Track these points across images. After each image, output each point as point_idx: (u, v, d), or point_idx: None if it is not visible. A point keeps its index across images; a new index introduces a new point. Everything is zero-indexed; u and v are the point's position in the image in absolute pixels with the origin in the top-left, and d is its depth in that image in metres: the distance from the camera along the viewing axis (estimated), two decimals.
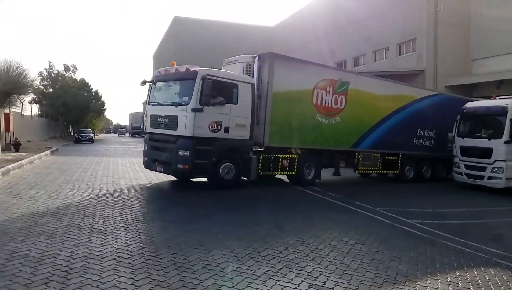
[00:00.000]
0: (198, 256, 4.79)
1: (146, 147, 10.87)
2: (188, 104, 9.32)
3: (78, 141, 38.10)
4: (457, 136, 13.97)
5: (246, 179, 10.79)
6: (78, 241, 5.12)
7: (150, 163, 10.58)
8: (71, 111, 43.95)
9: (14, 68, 23.89)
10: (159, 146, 10.21)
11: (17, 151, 18.91)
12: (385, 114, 13.50)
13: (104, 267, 4.28)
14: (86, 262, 4.39)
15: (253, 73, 10.72)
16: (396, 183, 14.42)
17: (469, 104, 14.44)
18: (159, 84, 10.70)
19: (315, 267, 4.72)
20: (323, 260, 5.03)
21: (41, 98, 43.65)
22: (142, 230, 5.92)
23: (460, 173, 13.61)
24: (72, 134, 53.68)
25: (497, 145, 12.39)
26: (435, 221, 8.14)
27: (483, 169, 12.68)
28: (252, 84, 10.35)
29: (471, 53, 22.87)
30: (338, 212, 8.51)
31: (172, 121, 9.64)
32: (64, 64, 52.50)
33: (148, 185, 10.55)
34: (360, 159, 13.02)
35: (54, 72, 48.26)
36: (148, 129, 10.74)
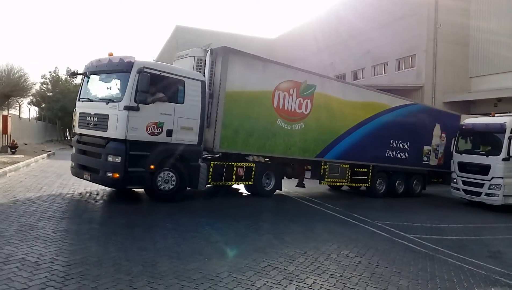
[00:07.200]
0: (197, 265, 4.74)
1: (74, 151, 9.42)
2: (120, 101, 7.96)
3: None
4: (455, 152, 13.99)
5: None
6: (75, 246, 5.05)
7: (78, 170, 9.04)
8: (69, 116, 43.78)
9: (15, 71, 23.97)
10: (87, 149, 8.80)
11: (13, 153, 18.75)
12: (355, 122, 12.45)
13: (103, 273, 4.22)
14: (84, 268, 4.32)
15: (204, 69, 9.52)
16: (391, 198, 13.78)
17: (468, 121, 14.51)
18: (93, 77, 9.09)
19: (316, 280, 4.68)
20: (324, 272, 4.98)
21: (40, 101, 43.66)
22: (139, 237, 5.86)
23: (458, 189, 13.61)
24: (69, 138, 53.45)
25: (495, 162, 12.42)
26: (433, 236, 8.12)
27: (481, 185, 12.70)
28: (203, 82, 9.07)
29: (470, 70, 23.15)
30: (337, 224, 8.47)
31: (102, 121, 8.23)
32: (67, 68, 52.58)
33: None
34: (327, 170, 11.90)
35: (58, 76, 48.32)
36: (77, 129, 9.23)
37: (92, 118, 8.62)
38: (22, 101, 27.40)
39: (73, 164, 9.29)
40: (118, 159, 7.82)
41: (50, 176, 12.13)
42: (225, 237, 6.31)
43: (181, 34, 47.25)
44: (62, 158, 19.99)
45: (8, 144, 19.98)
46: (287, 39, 42.20)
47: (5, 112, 22.58)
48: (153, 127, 8.20)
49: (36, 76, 56.68)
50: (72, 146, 9.76)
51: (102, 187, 10.00)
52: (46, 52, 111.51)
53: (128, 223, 6.72)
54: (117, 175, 7.81)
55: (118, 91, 8.37)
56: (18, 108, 26.89)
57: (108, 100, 8.31)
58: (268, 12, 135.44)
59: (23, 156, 17.33)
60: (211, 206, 9.42)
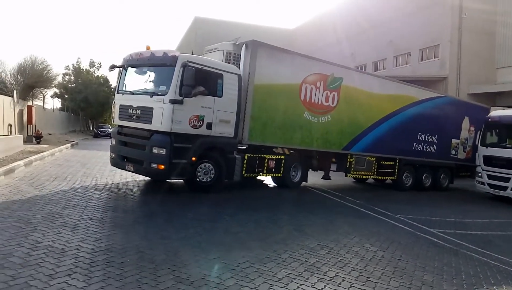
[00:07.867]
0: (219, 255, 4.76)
1: (114, 142, 9.51)
2: (165, 95, 8.08)
3: (97, 135, 38.66)
4: (481, 145, 13.60)
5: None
6: (100, 234, 5.16)
7: (118, 161, 9.23)
8: (92, 106, 44.78)
9: (39, 62, 24.53)
10: (130, 141, 8.98)
11: (38, 143, 19.32)
12: (382, 114, 12.37)
13: (127, 261, 4.29)
14: (109, 255, 4.40)
15: (235, 62, 9.66)
16: (415, 191, 13.60)
17: (494, 113, 14.06)
18: (130, 70, 9.30)
19: (338, 273, 4.63)
20: (345, 265, 4.93)
21: (64, 92, 44.70)
22: (162, 226, 5.93)
23: (483, 183, 13.24)
24: (91, 128, 54.66)
25: None
26: (457, 231, 7.93)
27: (507, 179, 12.31)
28: (239, 76, 9.24)
29: (495, 61, 22.31)
30: (357, 217, 8.37)
31: (146, 114, 8.36)
32: (90, 59, 53.61)
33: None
34: (353, 162, 11.92)
35: (80, 67, 49.33)
36: (117, 121, 9.38)
37: (134, 110, 8.73)
38: (46, 92, 28.08)
39: (113, 155, 9.43)
40: (163, 151, 8.02)
41: (74, 165, 12.43)
42: (246, 228, 6.32)
43: (200, 26, 47.26)
44: (85, 148, 20.47)
45: (33, 134, 20.58)
46: (306, 29, 41.66)
47: (29, 103, 23.19)
48: (195, 120, 8.40)
49: (59, 67, 58.09)
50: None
51: (124, 177, 10.21)
52: (68, 44, 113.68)
53: (150, 212, 6.84)
54: (162, 166, 8.02)
55: (162, 85, 8.46)
56: (42, 99, 27.61)
57: (152, 93, 8.42)
58: (287, 2, 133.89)
59: (47, 145, 17.81)
60: (232, 197, 9.44)
